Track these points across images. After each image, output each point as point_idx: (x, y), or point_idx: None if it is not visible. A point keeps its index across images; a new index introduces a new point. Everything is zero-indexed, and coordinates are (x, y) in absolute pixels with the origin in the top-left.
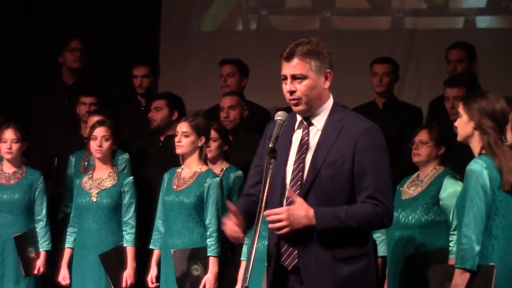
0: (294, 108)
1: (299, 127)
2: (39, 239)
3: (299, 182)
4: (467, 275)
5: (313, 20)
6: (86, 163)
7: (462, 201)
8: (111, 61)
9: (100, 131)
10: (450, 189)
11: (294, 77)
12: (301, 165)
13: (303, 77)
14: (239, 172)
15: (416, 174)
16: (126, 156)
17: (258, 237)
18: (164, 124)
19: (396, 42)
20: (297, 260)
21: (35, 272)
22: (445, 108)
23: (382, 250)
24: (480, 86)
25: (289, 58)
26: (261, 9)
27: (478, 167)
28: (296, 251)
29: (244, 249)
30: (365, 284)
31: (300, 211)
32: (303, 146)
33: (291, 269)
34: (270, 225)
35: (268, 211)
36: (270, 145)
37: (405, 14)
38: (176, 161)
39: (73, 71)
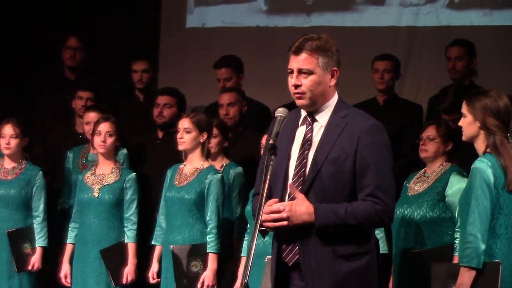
0: (297, 102)
1: (303, 123)
2: (35, 235)
3: (302, 178)
4: (472, 273)
5: (314, 17)
6: (85, 159)
7: (466, 199)
8: (111, 57)
9: (104, 127)
10: (456, 185)
11: (300, 71)
12: (304, 161)
13: (309, 72)
14: (239, 169)
15: (423, 170)
16: (124, 151)
17: (258, 233)
18: (171, 121)
19: (396, 39)
20: (298, 256)
21: (29, 268)
22: None
23: (381, 248)
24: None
25: (297, 52)
26: (261, 5)
27: (483, 165)
28: (297, 247)
29: (244, 245)
30: (366, 282)
31: (301, 207)
32: (306, 142)
33: (292, 265)
34: (269, 223)
35: (267, 207)
36: (270, 142)
37: (406, 11)
38: (174, 158)
39: (70, 67)
